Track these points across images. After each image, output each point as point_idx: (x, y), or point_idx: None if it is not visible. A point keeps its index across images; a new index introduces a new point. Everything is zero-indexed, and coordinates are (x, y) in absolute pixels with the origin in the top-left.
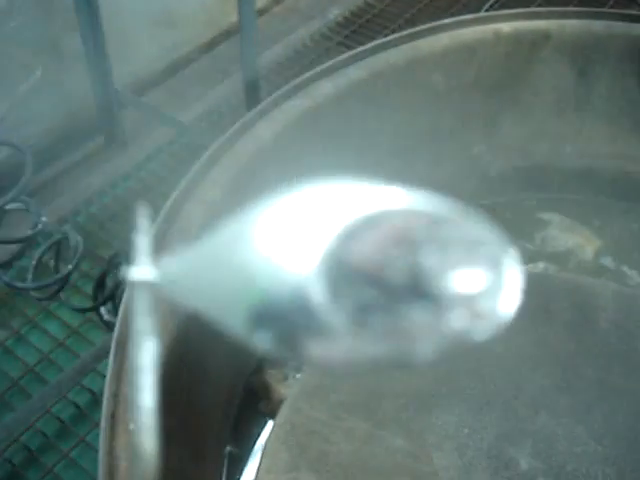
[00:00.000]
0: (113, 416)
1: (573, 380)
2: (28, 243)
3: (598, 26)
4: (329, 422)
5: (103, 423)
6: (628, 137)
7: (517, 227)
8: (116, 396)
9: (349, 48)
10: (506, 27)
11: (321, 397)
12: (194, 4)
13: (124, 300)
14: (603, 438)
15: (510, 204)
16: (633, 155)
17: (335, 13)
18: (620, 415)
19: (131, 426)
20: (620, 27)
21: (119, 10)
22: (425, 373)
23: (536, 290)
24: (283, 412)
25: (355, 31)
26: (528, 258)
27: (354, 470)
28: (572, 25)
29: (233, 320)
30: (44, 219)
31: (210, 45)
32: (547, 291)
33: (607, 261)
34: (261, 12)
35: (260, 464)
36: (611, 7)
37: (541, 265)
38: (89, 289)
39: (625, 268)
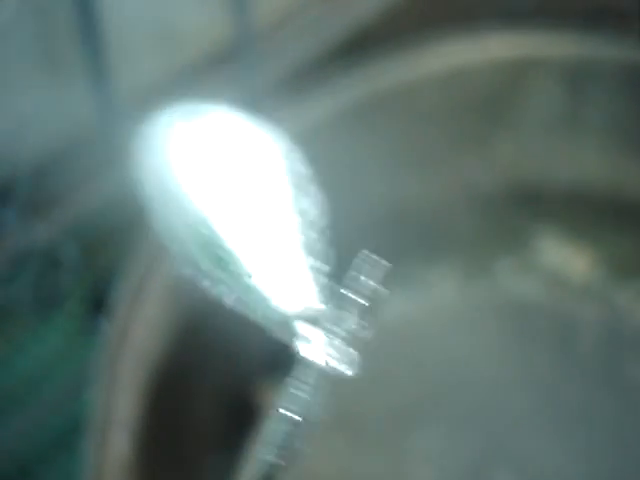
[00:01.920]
0: (102, 430)
1: (554, 402)
2: (27, 257)
3: (589, 47)
4: (311, 439)
5: (91, 435)
6: (618, 156)
7: (508, 245)
8: (106, 408)
9: (348, 71)
10: (499, 48)
11: None
12: (197, 20)
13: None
14: (583, 459)
15: (501, 222)
16: (623, 173)
17: (336, 35)
18: (600, 437)
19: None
20: (610, 48)
21: (120, 26)
22: (407, 391)
23: (519, 311)
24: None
25: (356, 53)
26: (518, 276)
27: None
28: (562, 46)
29: None
30: (42, 234)
31: (212, 62)
32: (530, 312)
33: (597, 279)
34: (264, 29)
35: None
36: (603, 27)
37: (530, 283)
38: (88, 302)
39: (616, 287)
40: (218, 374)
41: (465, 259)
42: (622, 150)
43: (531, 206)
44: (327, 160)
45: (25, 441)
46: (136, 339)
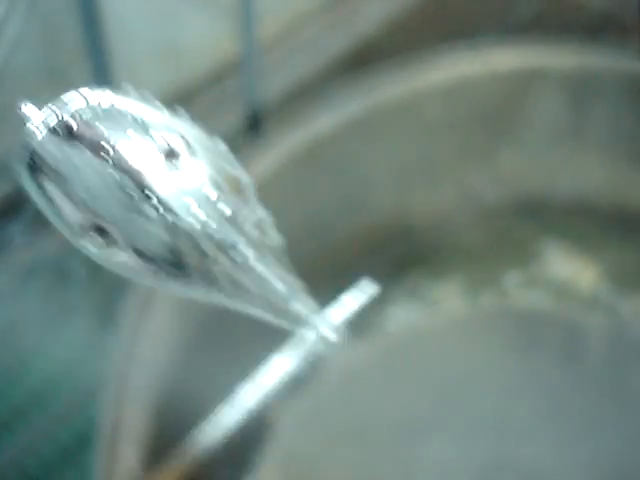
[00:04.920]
0: (111, 444)
1: (560, 411)
2: (35, 271)
3: (593, 59)
4: (321, 449)
5: (100, 449)
6: (623, 167)
7: (513, 256)
8: (115, 423)
9: (352, 83)
10: (502, 61)
11: (314, 424)
12: (201, 35)
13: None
14: (589, 469)
15: (506, 233)
16: (628, 184)
17: (340, 47)
18: (606, 446)
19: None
20: (612, 60)
21: (125, 42)
22: (415, 400)
23: (526, 322)
24: (277, 438)
25: (360, 66)
26: (524, 288)
27: None
28: (567, 59)
29: None
30: (49, 248)
31: (216, 76)
32: (537, 323)
33: (603, 290)
34: (266, 44)
35: None
36: (604, 39)
37: (536, 294)
38: (95, 316)
39: (621, 298)
40: (226, 387)
41: (472, 271)
42: (626, 162)
43: (536, 218)
44: (332, 174)
45: (33, 455)
46: (144, 353)
